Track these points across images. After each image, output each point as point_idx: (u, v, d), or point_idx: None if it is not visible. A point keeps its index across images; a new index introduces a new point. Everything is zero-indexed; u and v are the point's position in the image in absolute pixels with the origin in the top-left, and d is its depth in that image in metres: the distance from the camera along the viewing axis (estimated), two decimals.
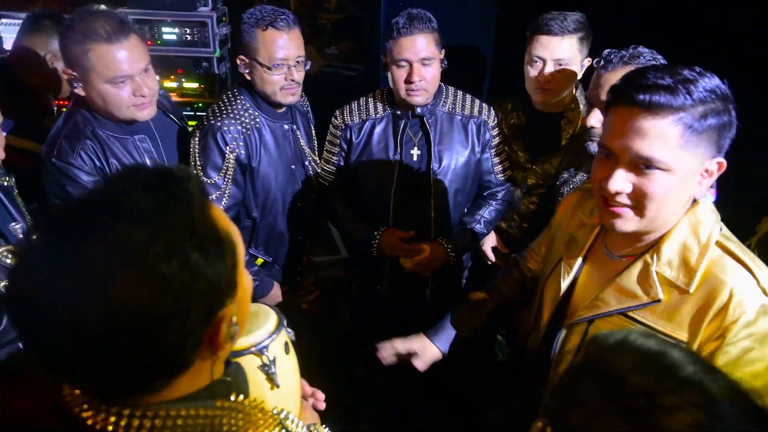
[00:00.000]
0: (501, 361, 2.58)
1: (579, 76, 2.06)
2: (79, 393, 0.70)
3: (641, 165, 1.04)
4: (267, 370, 1.07)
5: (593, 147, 1.72)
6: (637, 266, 1.15)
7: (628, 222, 1.11)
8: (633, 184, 1.06)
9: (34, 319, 0.62)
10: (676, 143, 1.01)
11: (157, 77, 3.17)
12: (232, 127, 1.97)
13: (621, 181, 1.07)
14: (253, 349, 1.07)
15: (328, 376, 2.62)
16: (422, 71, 1.95)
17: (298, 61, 1.96)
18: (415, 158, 2.14)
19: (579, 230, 1.33)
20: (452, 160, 2.13)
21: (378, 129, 2.14)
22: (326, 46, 4.17)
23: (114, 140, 1.83)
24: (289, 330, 1.19)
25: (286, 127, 2.13)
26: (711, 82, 1.02)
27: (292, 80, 1.96)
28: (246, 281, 0.78)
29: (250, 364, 1.05)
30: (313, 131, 2.36)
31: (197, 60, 3.31)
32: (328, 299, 2.59)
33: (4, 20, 3.59)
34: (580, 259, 1.29)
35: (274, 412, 0.82)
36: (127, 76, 1.72)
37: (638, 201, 1.07)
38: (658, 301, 1.11)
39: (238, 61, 1.99)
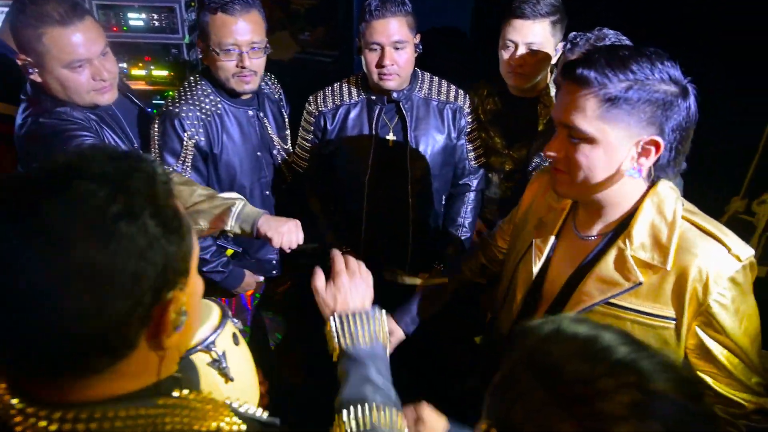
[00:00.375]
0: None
1: (554, 60, 2.03)
2: (8, 398, 0.66)
3: (570, 135, 1.11)
4: (218, 365, 1.06)
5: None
6: (612, 254, 1.18)
7: (563, 185, 1.19)
8: (565, 151, 1.13)
9: None
10: (595, 114, 1.06)
11: (124, 65, 3.09)
12: (191, 113, 1.92)
13: (554, 149, 1.15)
14: (199, 346, 1.05)
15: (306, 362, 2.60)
16: (394, 55, 1.91)
17: (253, 48, 1.88)
18: (391, 144, 2.10)
19: (548, 214, 1.36)
20: (429, 146, 2.11)
21: (353, 114, 2.10)
22: (300, 32, 4.08)
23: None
24: (235, 320, 1.17)
25: (250, 113, 2.07)
26: (654, 62, 1.05)
27: (244, 67, 1.89)
28: (198, 281, 0.77)
29: (200, 361, 1.03)
30: (286, 120, 2.30)
31: (166, 47, 3.21)
32: (304, 289, 2.54)
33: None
34: (551, 241, 1.33)
35: (227, 402, 0.79)
36: (85, 59, 1.66)
37: (568, 167, 1.15)
38: (639, 284, 1.14)
39: (197, 45, 1.94)
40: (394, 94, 2.03)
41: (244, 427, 0.76)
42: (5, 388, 0.67)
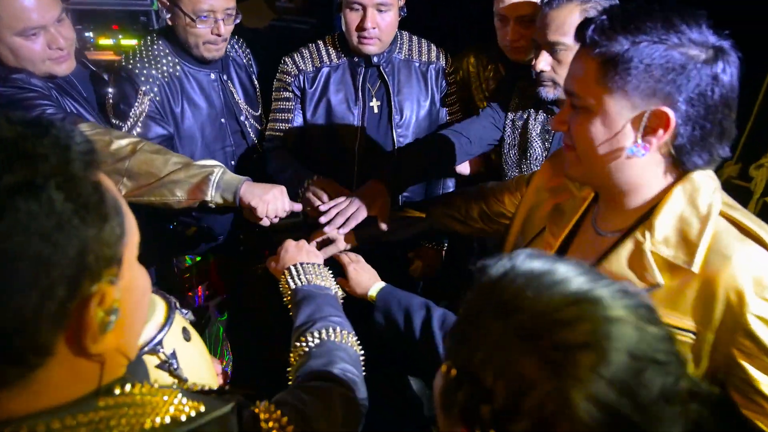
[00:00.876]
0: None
1: None
2: None
3: (572, 103, 0.99)
4: (168, 367, 0.95)
5: (545, 92, 1.65)
6: (627, 246, 0.99)
7: (571, 166, 1.05)
8: (569, 123, 1.01)
9: None
10: (592, 78, 0.93)
11: (90, 34, 2.92)
12: (145, 71, 1.82)
13: (557, 120, 1.03)
14: (145, 348, 0.93)
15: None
16: (377, 17, 1.80)
17: (227, 14, 1.79)
18: (375, 110, 1.99)
19: (567, 201, 1.19)
20: (413, 112, 2.01)
21: (334, 77, 1.97)
22: None
23: None
24: (185, 311, 1.06)
25: (212, 76, 1.97)
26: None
27: (218, 35, 1.80)
28: (140, 275, 0.66)
29: (148, 364, 0.92)
30: (257, 87, 2.17)
31: (134, 14, 3.04)
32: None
33: None
34: (565, 233, 1.17)
35: (174, 387, 0.70)
36: (39, 27, 1.54)
37: (572, 140, 1.02)
38: (657, 286, 0.94)
39: (159, 4, 1.81)
40: (374, 58, 1.93)
41: (202, 408, 0.67)
42: None
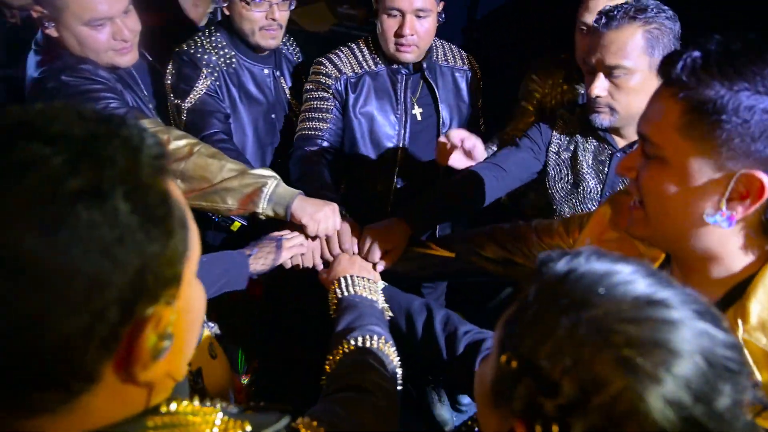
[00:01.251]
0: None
1: None
2: None
3: (644, 148, 0.85)
4: (193, 387, 0.91)
5: (600, 120, 1.52)
6: None
7: (636, 223, 0.89)
8: (637, 171, 0.87)
9: None
10: (672, 123, 0.79)
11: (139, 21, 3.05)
12: (206, 56, 1.84)
13: (625, 164, 0.89)
14: None
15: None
16: (416, 24, 1.75)
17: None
18: (419, 117, 1.94)
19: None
20: (456, 118, 1.96)
21: (376, 84, 1.91)
22: (339, 4, 3.98)
23: None
24: (211, 324, 1.03)
25: (266, 71, 1.97)
26: None
27: (273, 20, 1.80)
28: (197, 294, 0.60)
29: None
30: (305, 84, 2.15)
31: None
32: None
33: None
34: None
35: (215, 406, 0.64)
36: (107, 17, 1.54)
37: (641, 193, 0.87)
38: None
39: None
40: (424, 64, 1.89)
41: (248, 427, 0.62)
42: None
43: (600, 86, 1.46)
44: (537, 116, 1.94)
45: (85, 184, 0.45)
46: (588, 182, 1.65)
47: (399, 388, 1.06)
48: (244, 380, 1.92)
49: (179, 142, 1.48)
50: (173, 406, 0.58)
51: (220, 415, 0.62)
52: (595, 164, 1.64)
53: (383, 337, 1.12)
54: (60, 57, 1.58)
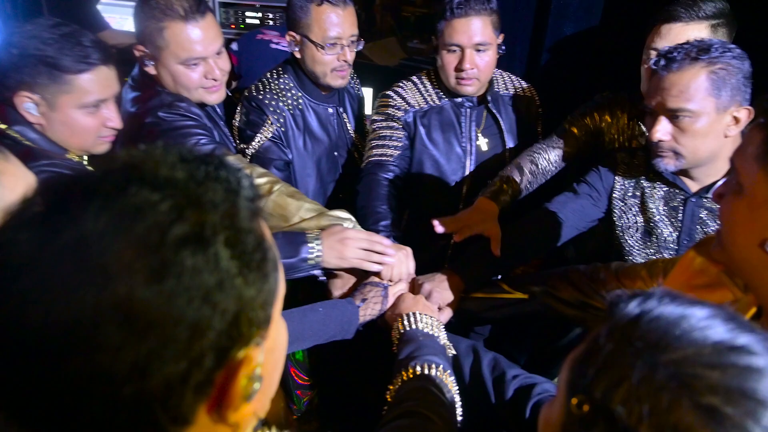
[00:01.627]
0: None
1: None
2: None
3: (732, 181, 0.86)
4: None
5: (664, 164, 1.46)
6: None
7: (717, 245, 0.90)
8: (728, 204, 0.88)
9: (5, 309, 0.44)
10: (753, 153, 0.81)
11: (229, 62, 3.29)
12: (273, 101, 1.91)
13: (717, 194, 0.90)
14: None
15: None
16: (475, 58, 1.79)
17: (351, 41, 1.87)
18: (484, 148, 1.97)
19: (726, 306, 1.03)
20: (523, 148, 1.94)
21: (441, 118, 1.96)
22: (409, 39, 4.11)
23: None
24: None
25: (330, 110, 2.04)
26: None
27: (345, 61, 1.87)
28: (282, 330, 0.60)
29: None
30: (365, 116, 2.24)
31: None
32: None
33: (104, 0, 3.86)
34: None
35: None
36: (201, 58, 1.66)
37: (720, 218, 0.90)
38: None
39: (288, 38, 1.90)
40: (488, 96, 1.94)
41: None
42: None
43: (662, 130, 1.41)
44: (577, 146, 1.88)
45: (189, 231, 0.45)
46: (662, 230, 1.57)
47: (459, 418, 1.06)
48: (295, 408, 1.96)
49: (260, 180, 1.53)
50: None
51: None
52: (668, 211, 1.56)
53: (442, 366, 1.12)
54: (157, 95, 1.68)
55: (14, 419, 0.46)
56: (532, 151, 1.85)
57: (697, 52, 1.34)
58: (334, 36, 1.81)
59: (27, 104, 1.35)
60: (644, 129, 1.78)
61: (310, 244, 1.41)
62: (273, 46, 3.31)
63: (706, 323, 0.56)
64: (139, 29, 1.66)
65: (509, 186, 1.73)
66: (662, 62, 1.38)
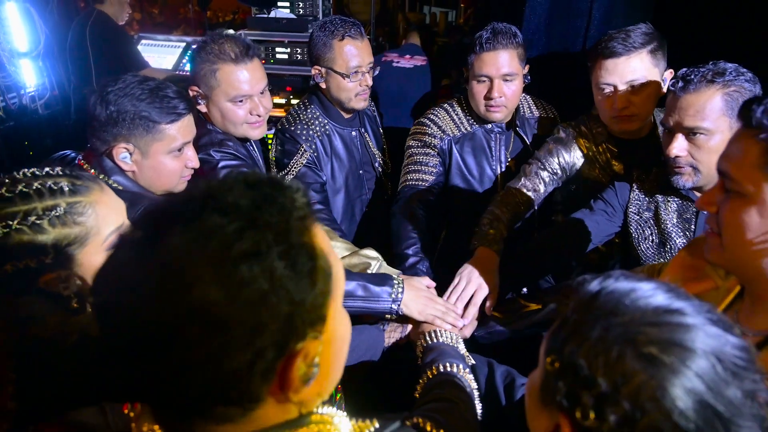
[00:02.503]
0: None
1: (664, 89, 1.77)
2: (148, 427, 0.65)
3: (724, 185, 0.93)
4: None
5: (682, 181, 1.52)
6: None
7: (712, 250, 0.98)
8: (718, 205, 0.95)
9: (110, 312, 0.58)
10: (754, 164, 0.87)
11: (272, 101, 3.47)
12: (305, 132, 2.07)
13: (706, 200, 0.97)
14: None
15: None
16: (503, 87, 1.89)
17: (370, 67, 2.05)
18: (514, 169, 2.05)
19: (709, 293, 1.12)
20: None
21: (473, 144, 2.07)
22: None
23: None
24: None
25: (354, 133, 2.20)
26: None
27: (366, 86, 2.04)
28: (341, 324, 0.70)
29: None
30: (382, 133, 2.40)
31: (306, 78, 3.50)
32: None
33: (144, 41, 4.08)
34: None
35: (332, 411, 0.76)
36: (247, 96, 1.81)
37: (720, 225, 0.95)
38: None
39: (313, 71, 2.06)
40: (517, 121, 2.04)
41: (377, 424, 0.75)
42: (155, 420, 0.65)
43: (678, 146, 1.48)
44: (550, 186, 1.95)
45: (248, 248, 0.55)
46: (675, 240, 1.64)
47: (478, 411, 1.16)
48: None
49: None
50: (328, 409, 0.72)
51: (344, 416, 0.73)
52: (681, 222, 1.64)
53: (461, 365, 1.25)
54: (208, 134, 1.85)
55: (131, 396, 0.60)
56: (516, 189, 1.91)
57: (713, 75, 1.41)
58: (356, 65, 1.99)
59: (123, 154, 1.47)
60: (611, 151, 1.89)
61: (396, 282, 1.54)
62: (395, 64, 3.91)
63: (650, 293, 0.68)
64: (194, 71, 1.82)
65: (497, 230, 1.76)
66: (680, 84, 1.45)
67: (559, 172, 1.92)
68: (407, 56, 3.95)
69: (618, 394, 0.62)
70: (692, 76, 1.43)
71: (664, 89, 1.76)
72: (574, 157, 1.91)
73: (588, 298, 0.70)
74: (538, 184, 1.90)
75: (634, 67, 1.71)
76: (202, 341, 0.54)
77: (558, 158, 1.91)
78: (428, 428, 0.93)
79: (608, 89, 1.76)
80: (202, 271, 0.54)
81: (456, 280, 1.62)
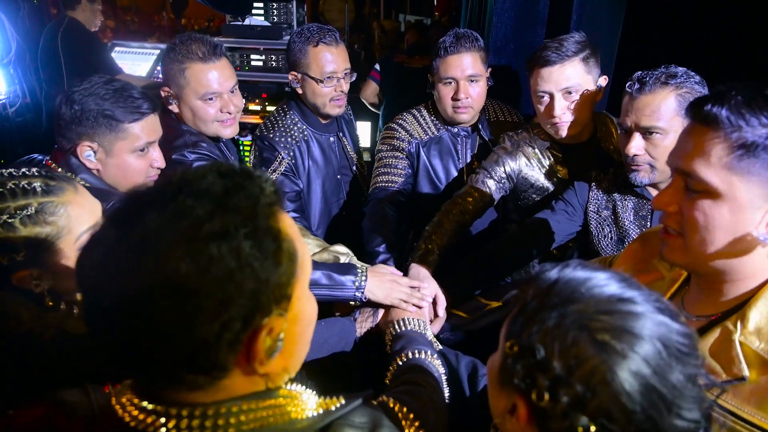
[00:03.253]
0: None
1: (599, 98, 1.85)
2: (127, 398, 0.69)
3: (687, 185, 0.93)
4: None
5: (639, 177, 1.59)
6: (714, 334, 0.94)
7: (674, 251, 0.98)
8: (679, 205, 0.95)
9: (93, 292, 0.63)
10: (722, 162, 0.87)
11: (242, 101, 3.49)
12: (283, 139, 2.10)
13: (665, 200, 0.97)
14: None
15: None
16: (469, 89, 1.96)
17: (345, 73, 2.07)
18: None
19: (654, 283, 1.14)
20: None
21: (440, 147, 2.14)
22: None
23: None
24: None
25: (332, 138, 2.23)
26: None
27: (341, 91, 2.07)
28: (307, 306, 0.75)
29: None
30: (359, 137, 2.45)
31: (280, 85, 3.53)
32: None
33: (118, 48, 4.07)
34: None
35: (299, 388, 0.80)
36: (217, 93, 1.84)
37: (681, 227, 0.95)
38: (742, 379, 0.89)
39: (290, 77, 2.10)
40: (479, 124, 2.10)
41: (343, 401, 0.78)
42: (133, 392, 0.69)
43: (636, 145, 1.54)
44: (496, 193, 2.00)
45: (217, 228, 0.60)
46: (632, 237, 1.69)
47: (446, 394, 1.21)
48: None
49: None
50: (297, 386, 0.76)
51: (312, 394, 0.78)
52: (637, 219, 1.71)
53: (429, 351, 1.31)
54: (182, 135, 1.87)
55: (111, 358, 0.65)
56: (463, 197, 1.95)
57: (666, 77, 1.49)
58: (330, 71, 2.03)
59: (87, 152, 1.49)
60: (555, 155, 1.94)
61: (359, 270, 1.60)
62: (406, 65, 4.11)
63: (604, 282, 0.72)
64: (164, 72, 1.85)
65: (433, 244, 1.81)
66: (636, 86, 1.52)
67: (505, 180, 1.97)
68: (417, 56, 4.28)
69: (571, 377, 0.66)
70: (647, 78, 1.50)
71: (599, 96, 1.84)
72: (520, 164, 1.96)
73: (547, 285, 0.74)
74: (484, 193, 1.94)
75: (568, 74, 1.76)
76: (173, 310, 0.59)
77: (504, 167, 1.96)
78: (391, 404, 0.98)
79: (545, 97, 1.81)
80: (175, 248, 0.59)
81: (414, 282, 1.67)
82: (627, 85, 1.55)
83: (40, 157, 1.56)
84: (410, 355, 1.28)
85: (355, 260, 1.71)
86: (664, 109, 1.48)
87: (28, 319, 1.01)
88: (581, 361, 0.66)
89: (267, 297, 0.64)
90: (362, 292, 1.56)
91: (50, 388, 0.81)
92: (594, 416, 0.65)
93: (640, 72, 1.54)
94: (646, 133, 1.53)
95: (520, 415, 0.72)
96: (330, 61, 2.01)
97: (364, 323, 1.57)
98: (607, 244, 1.76)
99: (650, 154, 1.55)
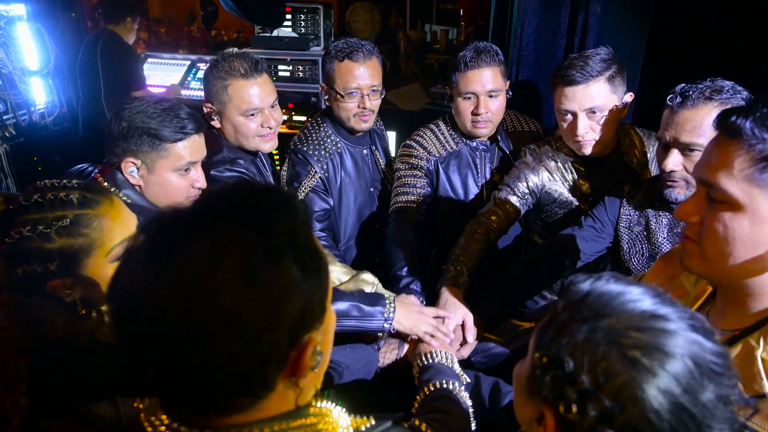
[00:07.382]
0: None
1: (623, 115, 1.82)
2: (158, 417, 0.70)
3: (709, 195, 0.94)
4: None
5: (675, 194, 1.54)
6: (736, 349, 0.93)
7: (692, 259, 0.98)
8: (701, 215, 0.95)
9: (130, 319, 0.62)
10: (744, 174, 0.88)
11: (282, 114, 3.55)
12: (316, 152, 2.13)
13: (688, 210, 0.97)
14: None
15: None
16: (489, 103, 1.97)
17: (373, 90, 2.08)
18: (500, 183, 2.09)
19: (679, 299, 1.14)
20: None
21: (459, 162, 2.14)
22: (433, 84, 4.32)
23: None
24: None
25: (365, 151, 2.26)
26: None
27: (365, 108, 2.08)
28: (332, 315, 0.77)
29: None
30: (391, 153, 2.46)
31: (307, 95, 3.61)
32: None
33: (150, 59, 4.19)
34: None
35: (329, 405, 0.81)
36: (258, 109, 1.89)
37: (700, 237, 0.95)
38: (764, 396, 0.87)
39: (320, 89, 2.15)
40: (498, 136, 2.11)
41: (373, 421, 0.80)
42: (164, 411, 0.70)
43: (674, 161, 1.49)
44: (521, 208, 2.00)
45: (266, 253, 0.62)
46: (664, 252, 1.61)
47: (473, 426, 1.21)
48: None
49: None
50: (326, 403, 0.77)
51: (344, 412, 0.79)
52: (671, 236, 1.66)
53: (456, 383, 1.31)
54: (222, 151, 1.91)
55: (157, 395, 0.68)
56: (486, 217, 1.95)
57: (711, 92, 1.41)
58: (353, 87, 2.04)
59: (131, 168, 1.54)
60: (578, 168, 1.92)
61: (387, 301, 1.61)
62: None
63: (637, 297, 0.72)
64: (207, 89, 1.91)
65: (462, 266, 1.80)
66: (678, 99, 1.45)
67: (528, 195, 1.96)
68: None
69: (600, 391, 0.66)
70: (690, 93, 1.43)
71: (624, 112, 1.81)
72: (543, 178, 1.95)
73: (578, 298, 0.74)
74: (508, 210, 1.94)
75: (592, 94, 1.73)
76: (227, 342, 0.60)
77: (526, 182, 1.95)
78: (424, 428, 0.99)
79: (568, 115, 1.79)
80: (226, 279, 0.59)
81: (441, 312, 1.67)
82: (668, 98, 1.49)
83: (91, 168, 1.63)
84: (438, 385, 1.29)
85: (381, 288, 1.72)
86: (706, 126, 1.40)
87: (61, 325, 1.05)
88: (610, 376, 0.66)
89: (311, 314, 0.67)
90: (390, 323, 1.58)
91: (82, 393, 0.84)
92: (621, 431, 0.66)
93: (683, 84, 1.47)
94: (686, 149, 1.47)
95: (547, 425, 0.72)
96: (354, 77, 2.02)
97: (388, 354, 1.59)
98: (639, 261, 1.71)
99: (688, 171, 1.49)
